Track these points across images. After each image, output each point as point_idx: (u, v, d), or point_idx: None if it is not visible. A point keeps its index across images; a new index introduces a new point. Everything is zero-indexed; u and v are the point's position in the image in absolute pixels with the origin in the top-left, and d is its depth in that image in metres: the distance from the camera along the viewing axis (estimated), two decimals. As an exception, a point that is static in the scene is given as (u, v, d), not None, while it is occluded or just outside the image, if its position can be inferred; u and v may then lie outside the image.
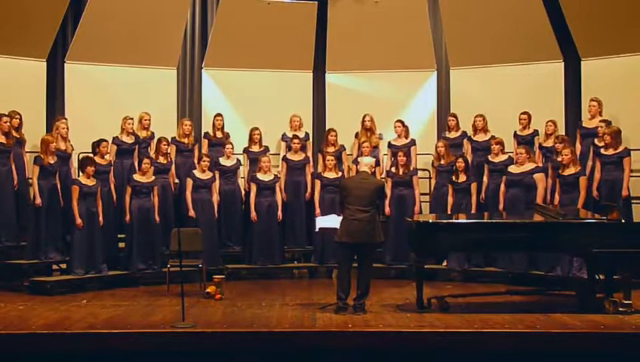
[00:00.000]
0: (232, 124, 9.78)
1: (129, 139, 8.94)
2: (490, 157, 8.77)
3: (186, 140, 9.19)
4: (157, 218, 8.45)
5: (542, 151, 8.78)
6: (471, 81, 9.95)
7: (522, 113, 8.97)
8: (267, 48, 10.02)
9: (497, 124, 9.16)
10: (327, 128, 9.70)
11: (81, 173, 8.12)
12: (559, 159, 8.10)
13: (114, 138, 8.81)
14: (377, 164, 9.15)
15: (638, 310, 6.37)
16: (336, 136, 9.34)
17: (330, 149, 9.20)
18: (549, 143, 8.68)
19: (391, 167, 9.10)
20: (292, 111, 9.66)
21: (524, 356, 5.65)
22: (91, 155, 8.37)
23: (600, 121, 8.41)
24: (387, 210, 8.96)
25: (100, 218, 8.12)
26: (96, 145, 8.49)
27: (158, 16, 9.72)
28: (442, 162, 8.94)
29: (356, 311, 6.45)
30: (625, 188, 7.93)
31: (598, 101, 8.59)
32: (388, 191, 8.94)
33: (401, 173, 8.93)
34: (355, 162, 9.08)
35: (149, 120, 9.14)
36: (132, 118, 8.96)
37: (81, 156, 8.45)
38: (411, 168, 9.00)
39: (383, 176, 9.15)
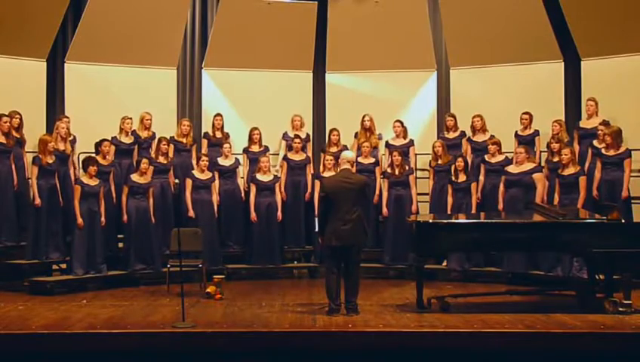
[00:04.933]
0: (232, 124, 9.77)
1: (128, 140, 8.95)
2: (486, 158, 8.76)
3: (184, 140, 9.19)
4: (152, 218, 8.45)
5: (548, 151, 8.76)
6: (471, 81, 9.95)
7: (524, 113, 8.96)
8: (267, 48, 10.02)
9: (497, 124, 9.16)
10: (327, 128, 9.70)
11: (83, 173, 8.12)
12: (556, 159, 8.11)
13: (112, 138, 8.80)
14: (377, 164, 9.18)
15: (638, 310, 6.37)
16: (338, 135, 9.32)
17: (333, 149, 9.16)
18: (555, 144, 8.67)
19: (387, 167, 9.10)
20: (292, 112, 9.65)
21: (524, 356, 5.65)
22: (93, 155, 8.37)
23: (600, 124, 8.41)
24: (384, 210, 8.96)
25: (102, 218, 8.13)
26: (98, 145, 8.50)
27: (158, 16, 9.72)
28: (440, 162, 8.93)
29: (349, 313, 6.42)
30: (625, 189, 7.94)
31: (595, 101, 8.61)
32: (385, 192, 8.95)
33: (397, 173, 8.93)
34: (356, 162, 9.07)
35: (151, 120, 9.13)
36: (130, 118, 8.96)
37: (81, 156, 8.45)
38: (407, 168, 9.00)
39: (380, 176, 9.15)
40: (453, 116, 9.37)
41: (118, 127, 8.90)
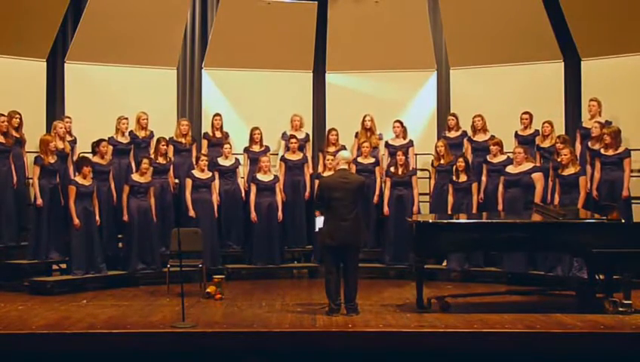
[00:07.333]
0: (232, 124, 9.78)
1: (124, 140, 8.96)
2: (488, 158, 8.76)
3: (183, 140, 9.19)
4: (154, 218, 8.45)
5: (540, 152, 8.77)
6: (471, 81, 9.95)
7: (524, 113, 8.96)
8: (267, 48, 10.02)
9: (497, 124, 9.16)
10: (327, 128, 9.69)
11: (77, 174, 8.12)
12: (559, 159, 8.10)
13: (109, 138, 8.80)
14: (377, 164, 9.19)
15: (638, 310, 6.38)
16: (337, 135, 9.32)
17: (332, 149, 9.15)
18: (546, 144, 8.68)
19: (389, 166, 9.10)
20: (292, 111, 9.65)
21: (524, 356, 5.65)
22: (87, 155, 8.38)
23: (595, 122, 8.40)
24: (386, 209, 8.96)
25: (97, 217, 8.13)
26: (96, 145, 8.51)
27: (158, 16, 9.71)
28: (442, 162, 8.93)
29: (349, 313, 6.42)
30: (625, 189, 7.93)
31: (598, 101, 8.59)
32: (386, 191, 8.96)
33: (400, 173, 8.93)
34: (355, 162, 9.08)
35: (147, 119, 9.15)
36: (126, 118, 8.98)
37: (80, 156, 8.45)
38: (410, 168, 9.00)
39: (382, 176, 9.15)
40: (455, 116, 9.37)
41: (115, 127, 8.91)
